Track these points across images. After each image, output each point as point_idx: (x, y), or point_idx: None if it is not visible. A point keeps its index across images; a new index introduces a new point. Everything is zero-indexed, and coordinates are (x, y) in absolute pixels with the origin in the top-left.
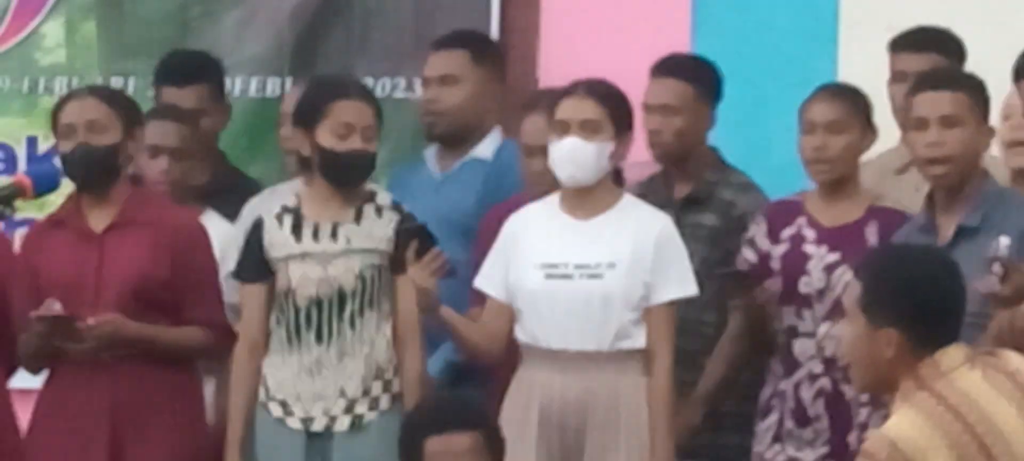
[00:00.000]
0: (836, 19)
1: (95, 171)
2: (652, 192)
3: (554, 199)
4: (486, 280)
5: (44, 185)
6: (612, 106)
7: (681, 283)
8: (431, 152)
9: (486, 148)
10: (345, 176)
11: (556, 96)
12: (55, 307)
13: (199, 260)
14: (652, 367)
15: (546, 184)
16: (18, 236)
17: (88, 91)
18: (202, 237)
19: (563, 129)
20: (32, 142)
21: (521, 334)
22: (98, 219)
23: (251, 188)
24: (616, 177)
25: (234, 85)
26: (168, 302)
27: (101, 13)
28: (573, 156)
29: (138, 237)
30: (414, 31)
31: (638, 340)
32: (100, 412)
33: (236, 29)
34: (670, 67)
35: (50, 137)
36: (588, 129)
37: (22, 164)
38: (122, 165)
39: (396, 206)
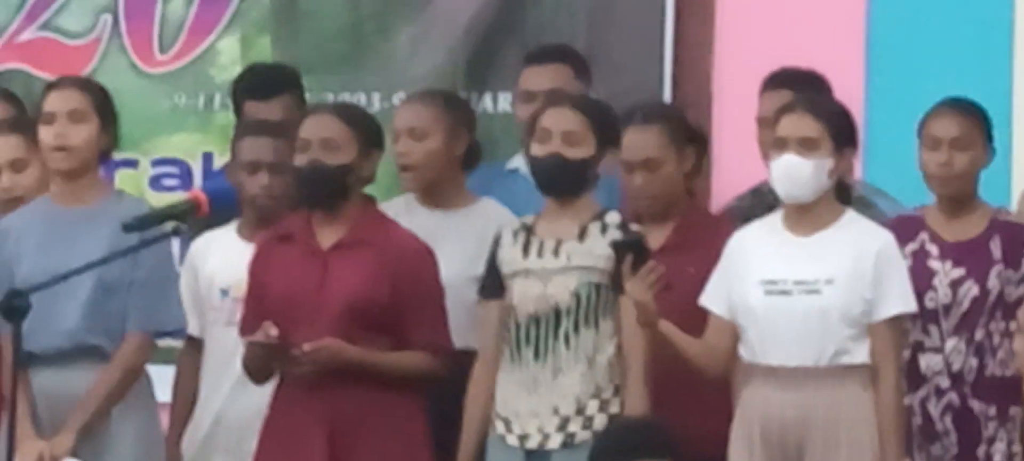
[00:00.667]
0: (1011, 32)
1: (323, 190)
2: (761, 203)
3: (777, 216)
4: (710, 296)
5: (219, 201)
6: (831, 122)
7: (902, 298)
8: (523, 161)
9: None
10: (545, 181)
11: (647, 111)
12: (271, 332)
13: (422, 283)
14: (878, 383)
15: (646, 199)
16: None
17: (328, 108)
18: (427, 259)
19: (781, 146)
20: (208, 158)
21: (744, 351)
22: (326, 236)
23: None
24: (839, 192)
25: None
26: (388, 323)
27: (276, 29)
28: (790, 173)
29: (363, 257)
30: (587, 46)
31: (857, 356)
32: (318, 431)
33: (410, 44)
34: (781, 82)
35: (226, 153)
36: (806, 146)
37: (198, 180)
38: (353, 185)
39: (623, 225)
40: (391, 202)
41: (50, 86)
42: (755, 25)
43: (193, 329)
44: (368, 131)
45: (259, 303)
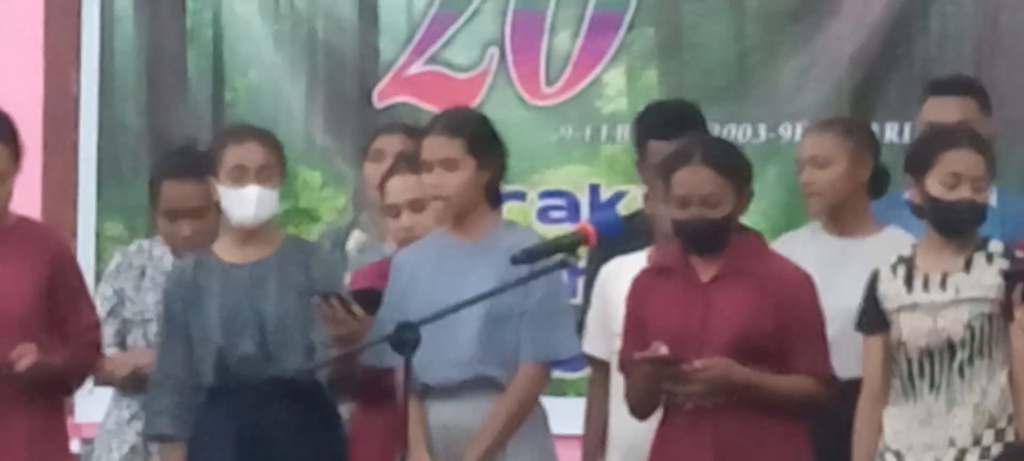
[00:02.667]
0: None
1: (706, 243)
2: None
3: None
4: None
5: (607, 233)
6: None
7: None
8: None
9: None
10: (951, 226)
11: None
12: (661, 350)
13: (804, 310)
14: None
15: None
16: (581, 283)
17: (703, 159)
18: (807, 286)
19: None
20: (594, 190)
21: None
22: (705, 269)
23: None
24: None
25: (793, 132)
26: (772, 352)
27: (662, 61)
28: None
29: (743, 288)
30: (974, 76)
31: None
32: (704, 458)
33: (796, 76)
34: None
35: (613, 185)
36: None
37: (585, 212)
38: (732, 231)
39: (1008, 252)
40: (797, 231)
41: (425, 130)
42: None
43: (601, 353)
44: (742, 175)
45: (639, 337)
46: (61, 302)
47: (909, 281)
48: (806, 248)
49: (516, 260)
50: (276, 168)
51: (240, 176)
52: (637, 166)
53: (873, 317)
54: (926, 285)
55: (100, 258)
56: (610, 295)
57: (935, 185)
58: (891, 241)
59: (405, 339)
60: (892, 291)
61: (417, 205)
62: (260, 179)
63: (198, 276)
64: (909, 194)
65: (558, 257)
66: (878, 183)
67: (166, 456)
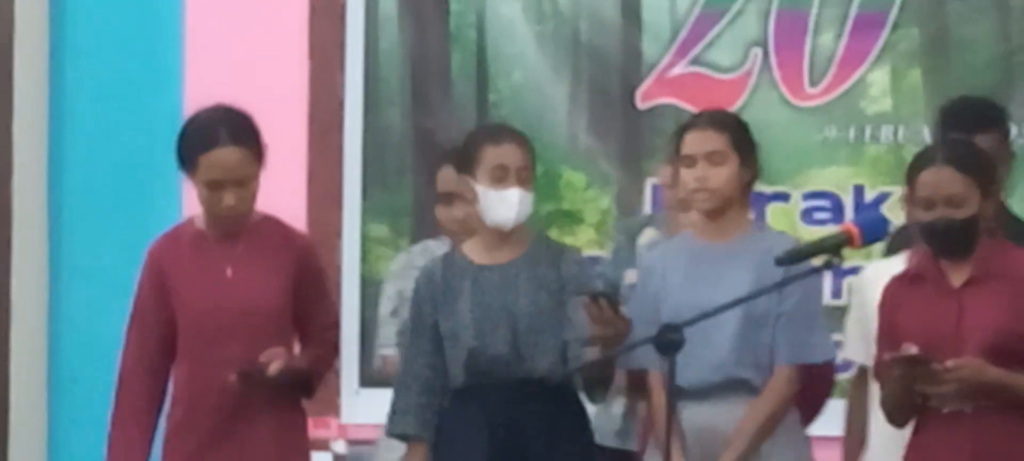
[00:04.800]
0: None
1: (953, 245)
2: None
3: None
4: None
5: (871, 234)
6: None
7: None
8: None
9: None
10: None
11: None
12: (912, 350)
13: None
14: None
15: None
16: (845, 284)
17: (942, 159)
18: None
19: None
20: (859, 191)
21: None
22: (956, 274)
23: None
24: None
25: None
26: None
27: (926, 61)
28: None
29: (997, 291)
30: None
31: None
32: None
33: None
34: None
35: (877, 186)
36: None
37: (849, 213)
38: (981, 232)
39: None
40: None
41: (686, 127)
42: None
43: (861, 357)
44: (986, 174)
45: (892, 345)
46: (304, 300)
47: None
48: None
49: (780, 261)
50: (531, 170)
51: (502, 177)
52: None
53: None
54: None
55: (365, 260)
56: (868, 299)
57: None
58: None
59: (670, 340)
60: None
61: None
62: (520, 181)
63: (447, 277)
64: None
65: (823, 258)
66: None
67: (410, 455)
